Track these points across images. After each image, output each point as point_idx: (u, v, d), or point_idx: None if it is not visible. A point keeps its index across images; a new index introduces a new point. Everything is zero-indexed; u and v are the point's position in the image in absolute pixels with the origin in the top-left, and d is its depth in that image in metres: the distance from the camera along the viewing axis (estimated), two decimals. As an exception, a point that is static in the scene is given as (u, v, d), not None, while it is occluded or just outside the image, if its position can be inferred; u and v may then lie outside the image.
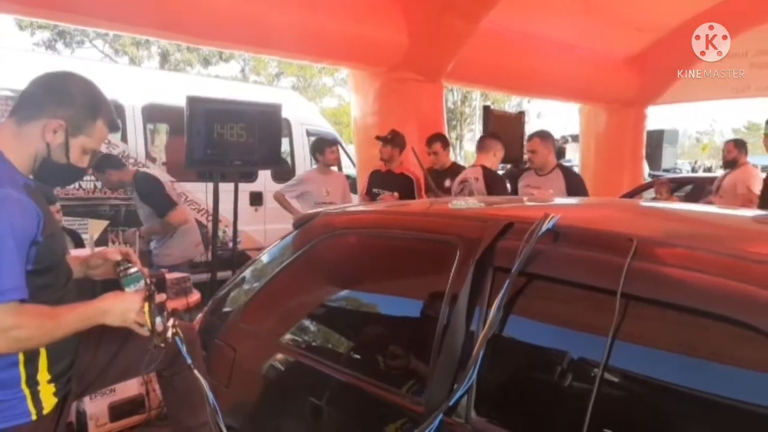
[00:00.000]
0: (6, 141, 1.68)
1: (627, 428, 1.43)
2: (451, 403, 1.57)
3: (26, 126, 1.68)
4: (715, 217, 2.24)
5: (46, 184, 1.91)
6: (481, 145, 5.09)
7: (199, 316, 2.83)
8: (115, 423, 3.39)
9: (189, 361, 1.85)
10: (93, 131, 1.76)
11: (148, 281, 1.86)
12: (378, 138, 5.57)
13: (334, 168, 6.27)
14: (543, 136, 4.71)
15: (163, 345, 1.77)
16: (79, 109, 1.72)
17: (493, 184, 4.69)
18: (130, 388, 3.50)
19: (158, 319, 1.75)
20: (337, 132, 9.95)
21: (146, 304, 1.75)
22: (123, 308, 1.74)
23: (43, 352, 1.71)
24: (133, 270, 1.88)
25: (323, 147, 5.64)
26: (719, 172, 7.17)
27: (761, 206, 4.84)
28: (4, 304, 1.52)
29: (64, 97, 1.70)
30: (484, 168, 4.79)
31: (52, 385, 1.74)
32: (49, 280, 1.67)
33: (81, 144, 1.75)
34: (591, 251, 1.56)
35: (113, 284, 1.90)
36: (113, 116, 1.83)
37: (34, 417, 1.68)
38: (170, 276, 3.89)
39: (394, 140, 5.51)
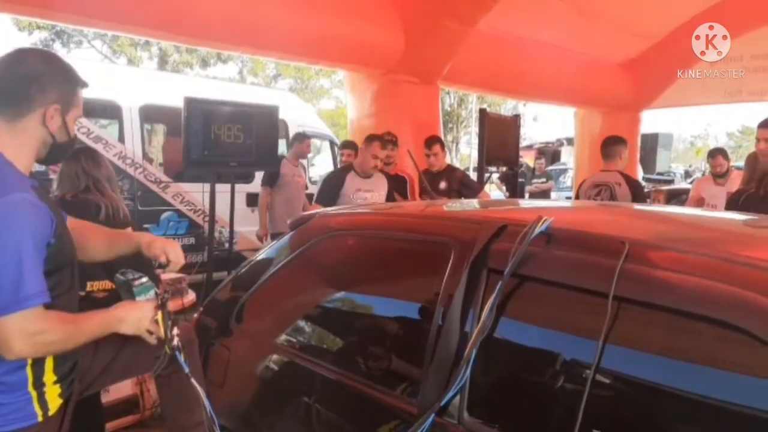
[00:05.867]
0: (3, 142, 1.63)
1: (618, 430, 1.43)
2: (443, 403, 1.58)
3: (21, 123, 1.64)
4: (708, 221, 2.25)
5: (50, 165, 1.89)
6: (608, 152, 4.78)
7: (195, 316, 2.84)
8: (109, 423, 3.38)
9: (186, 370, 1.87)
10: (78, 100, 1.75)
11: (158, 291, 1.88)
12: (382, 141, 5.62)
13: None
14: None
15: (170, 352, 1.82)
16: (63, 86, 1.70)
17: (636, 189, 4.58)
18: (124, 388, 3.50)
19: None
20: (333, 134, 9.95)
21: (159, 313, 1.79)
22: (138, 316, 1.77)
23: None
24: (143, 280, 1.90)
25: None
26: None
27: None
28: (32, 309, 1.53)
29: (46, 81, 1.66)
30: (622, 173, 4.62)
31: (58, 386, 1.73)
32: (54, 282, 1.65)
33: (73, 117, 1.75)
34: (583, 254, 1.56)
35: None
36: (80, 76, 1.79)
37: (40, 419, 1.67)
38: (165, 276, 3.89)
39: (396, 142, 5.57)
